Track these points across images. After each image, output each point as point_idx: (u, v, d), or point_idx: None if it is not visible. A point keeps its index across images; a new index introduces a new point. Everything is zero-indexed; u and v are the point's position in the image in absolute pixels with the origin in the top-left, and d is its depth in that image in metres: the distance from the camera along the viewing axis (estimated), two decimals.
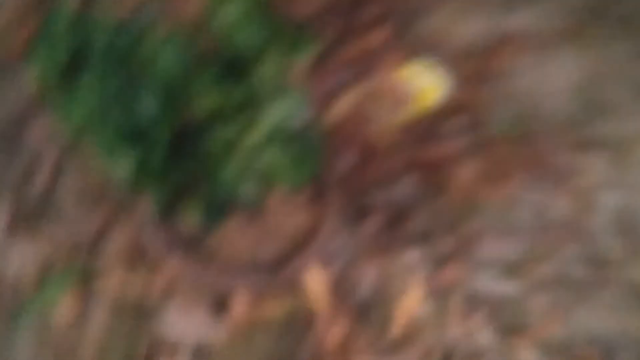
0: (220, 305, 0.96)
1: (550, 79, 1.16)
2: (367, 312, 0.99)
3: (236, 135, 0.77)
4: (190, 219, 0.80)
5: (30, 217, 1.05)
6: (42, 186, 1.06)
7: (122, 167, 0.72)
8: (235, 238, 0.85)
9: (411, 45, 1.18)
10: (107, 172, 0.73)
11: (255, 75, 0.72)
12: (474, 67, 1.16)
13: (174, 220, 0.86)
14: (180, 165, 0.78)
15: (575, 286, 1.01)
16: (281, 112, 0.72)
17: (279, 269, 0.83)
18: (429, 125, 1.12)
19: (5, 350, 0.95)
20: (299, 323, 0.97)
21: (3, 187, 1.07)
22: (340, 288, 1.00)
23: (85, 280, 0.99)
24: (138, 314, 0.97)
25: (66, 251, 1.01)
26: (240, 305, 0.95)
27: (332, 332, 0.96)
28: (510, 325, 0.98)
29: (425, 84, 1.14)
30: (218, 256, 0.85)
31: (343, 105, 1.13)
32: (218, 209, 0.81)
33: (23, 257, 1.00)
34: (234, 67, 0.74)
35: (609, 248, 1.03)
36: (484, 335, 0.97)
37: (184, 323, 0.95)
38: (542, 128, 1.12)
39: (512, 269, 1.02)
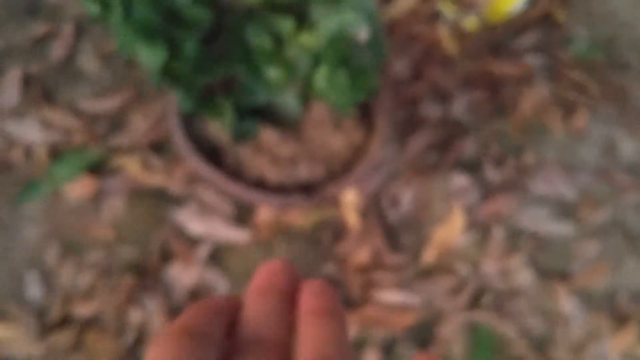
0: (245, 209, 0.88)
1: None
2: (402, 233, 0.92)
3: (288, 33, 0.65)
4: (221, 123, 0.69)
5: (48, 82, 0.95)
6: (62, 49, 0.95)
7: (150, 57, 0.61)
8: (268, 152, 0.75)
9: None
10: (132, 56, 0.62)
11: None
12: None
13: (202, 121, 0.76)
14: (216, 59, 0.67)
15: (629, 237, 0.93)
16: (344, 20, 0.60)
17: (312, 192, 0.74)
18: (501, 37, 0.98)
19: (14, 222, 0.89)
20: (327, 236, 0.90)
21: (22, 48, 0.97)
22: (376, 204, 0.92)
23: (103, 158, 0.91)
24: (158, 201, 0.90)
25: (85, 124, 0.92)
26: (266, 213, 0.87)
27: (361, 249, 0.90)
28: (553, 269, 0.91)
29: None
30: (247, 169, 0.75)
31: (406, 0, 0.99)
32: (252, 116, 0.71)
33: (39, 126, 0.92)
34: None
35: None
36: (522, 276, 0.90)
37: (205, 220, 0.88)
38: (626, 58, 0.99)
39: (565, 209, 0.93)
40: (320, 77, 0.64)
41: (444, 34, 0.98)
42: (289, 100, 0.72)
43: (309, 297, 0.23)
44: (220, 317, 0.22)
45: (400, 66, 0.95)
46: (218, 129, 0.78)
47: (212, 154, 0.76)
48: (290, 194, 0.76)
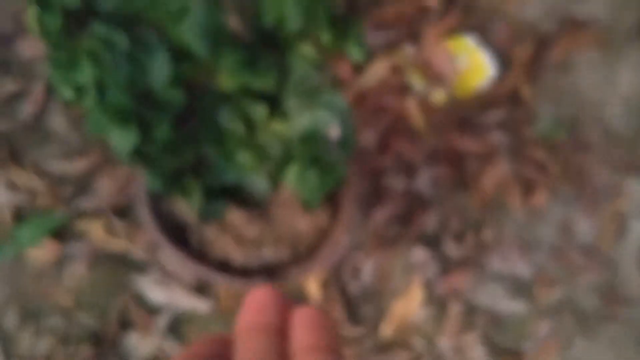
0: (205, 282, 0.90)
1: (613, 83, 1.04)
2: (361, 305, 0.94)
3: (261, 119, 0.66)
4: (188, 202, 0.71)
5: (16, 141, 0.95)
6: (31, 109, 0.95)
7: (121, 140, 0.62)
8: (234, 233, 0.76)
9: (464, 16, 1.03)
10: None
11: (294, 67, 0.60)
12: (529, 54, 1.03)
13: (169, 198, 0.77)
14: (187, 141, 0.68)
15: (581, 317, 0.95)
16: (316, 118, 0.62)
17: (276, 275, 0.76)
18: (468, 113, 1.00)
19: None
20: None
21: None
22: (337, 275, 0.94)
23: (67, 222, 0.91)
24: (119, 267, 0.91)
25: (51, 186, 0.93)
26: (226, 287, 0.88)
27: None
28: (506, 346, 0.93)
29: (472, 63, 1.01)
30: (212, 249, 0.76)
31: (377, 71, 1.01)
32: (220, 197, 0.72)
33: (4, 187, 0.92)
34: (272, 51, 0.62)
35: (627, 283, 0.96)
36: (476, 353, 0.92)
37: (166, 288, 0.89)
38: (589, 138, 1.01)
39: (520, 288, 0.95)
40: (291, 176, 0.65)
41: (412, 107, 1.00)
42: (258, 182, 0.74)
43: (302, 332, 0.22)
44: None
45: (367, 138, 0.97)
46: (185, 206, 0.79)
47: (178, 231, 0.77)
48: (254, 276, 0.78)
